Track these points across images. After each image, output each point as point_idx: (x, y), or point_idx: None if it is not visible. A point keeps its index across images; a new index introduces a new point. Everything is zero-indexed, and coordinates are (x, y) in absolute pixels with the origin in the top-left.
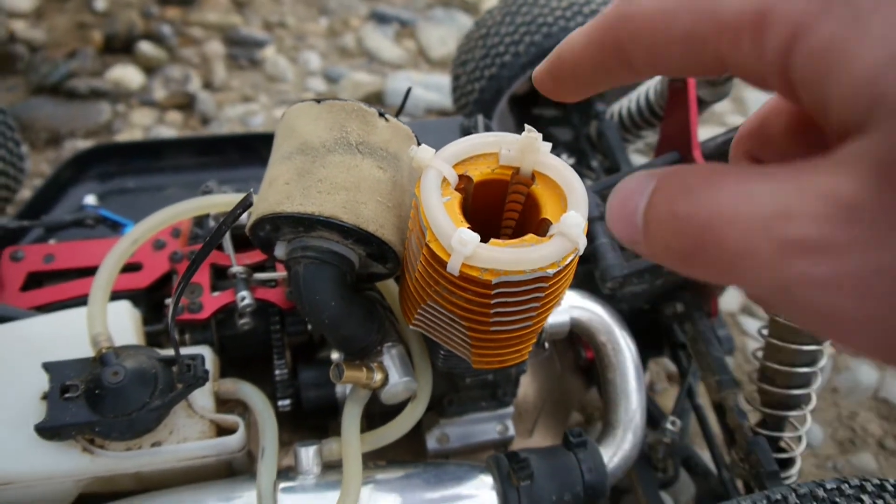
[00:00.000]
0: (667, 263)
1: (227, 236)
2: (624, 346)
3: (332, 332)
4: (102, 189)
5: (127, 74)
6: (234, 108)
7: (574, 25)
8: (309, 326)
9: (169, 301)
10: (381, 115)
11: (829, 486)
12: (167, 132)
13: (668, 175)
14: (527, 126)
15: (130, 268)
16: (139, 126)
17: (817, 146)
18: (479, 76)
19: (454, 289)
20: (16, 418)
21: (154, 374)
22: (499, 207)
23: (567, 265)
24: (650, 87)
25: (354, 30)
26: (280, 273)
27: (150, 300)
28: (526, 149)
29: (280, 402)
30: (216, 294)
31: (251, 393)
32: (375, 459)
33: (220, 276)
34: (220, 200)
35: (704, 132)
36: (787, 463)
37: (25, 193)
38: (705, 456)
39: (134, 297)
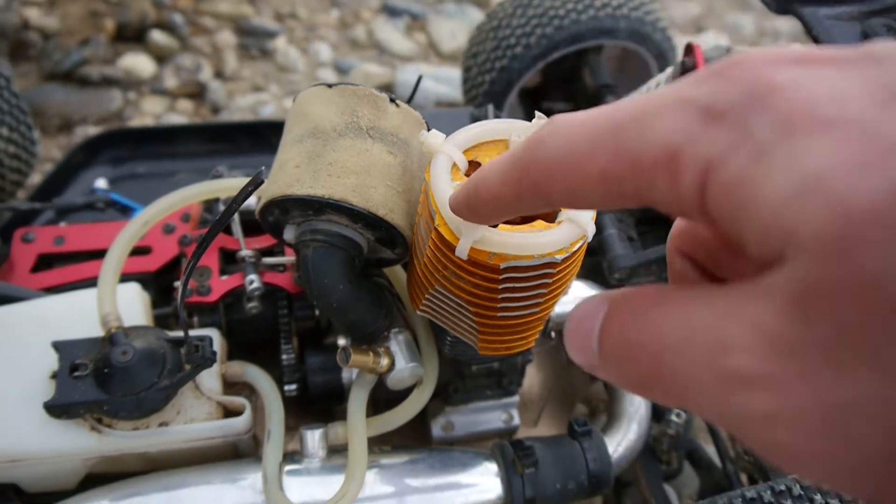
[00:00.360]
0: (627, 389)
1: (237, 220)
2: None
3: (339, 316)
4: (113, 174)
5: (139, 63)
6: (244, 98)
7: (585, 18)
8: (316, 311)
9: (178, 284)
10: (392, 100)
11: None
12: (178, 120)
13: (618, 300)
14: (537, 113)
15: (140, 251)
16: (150, 114)
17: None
18: (490, 68)
19: (462, 273)
20: (25, 397)
21: (163, 354)
22: None
23: (575, 251)
24: (660, 80)
25: (365, 22)
26: (289, 258)
27: (158, 284)
28: None
29: (286, 387)
30: (225, 277)
31: (258, 376)
32: (380, 445)
33: (229, 261)
34: (231, 184)
35: None
36: None
37: (36, 178)
38: (709, 450)
39: (143, 280)
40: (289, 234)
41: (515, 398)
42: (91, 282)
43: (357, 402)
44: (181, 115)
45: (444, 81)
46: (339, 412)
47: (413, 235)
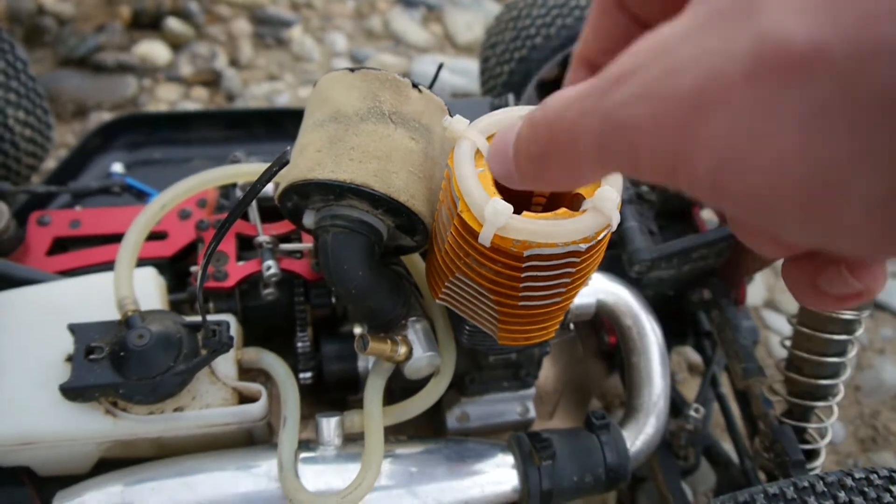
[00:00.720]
0: (528, 174)
1: (254, 206)
2: (649, 331)
3: (358, 302)
4: (129, 159)
5: (154, 50)
6: (259, 87)
7: None
8: (333, 299)
9: (194, 269)
10: (415, 85)
11: (857, 476)
12: (192, 108)
13: (530, 113)
14: None
15: (156, 236)
16: (165, 101)
17: None
18: (509, 58)
19: (484, 260)
20: (40, 379)
21: (179, 338)
22: None
23: (599, 240)
24: None
25: (381, 13)
26: (306, 244)
27: (174, 269)
28: None
29: (301, 375)
30: (241, 263)
31: (274, 362)
32: (395, 435)
33: (245, 247)
34: (249, 169)
35: None
36: (812, 454)
37: (50, 164)
38: (727, 447)
39: (158, 265)
40: (308, 219)
41: (531, 390)
42: (106, 266)
43: (374, 391)
44: (196, 102)
45: (461, 73)
46: (353, 402)
47: (434, 223)
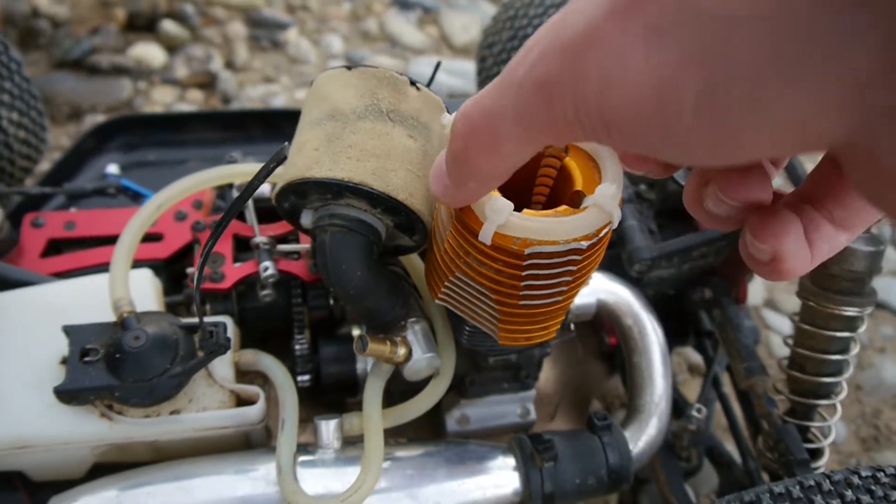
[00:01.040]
0: (455, 173)
1: (250, 207)
2: (651, 330)
3: (357, 303)
4: (124, 160)
5: (149, 52)
6: (255, 89)
7: None
8: (331, 301)
9: (190, 270)
10: (413, 83)
11: (864, 474)
12: (188, 110)
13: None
14: None
15: (151, 237)
16: (160, 103)
17: None
18: (506, 58)
19: (485, 259)
20: (34, 382)
21: (175, 340)
22: (530, 179)
23: (601, 238)
24: None
25: (377, 15)
26: (303, 245)
27: (170, 271)
28: None
29: (299, 378)
30: (238, 265)
31: (271, 364)
32: (395, 437)
33: (242, 249)
34: (246, 169)
35: None
36: (815, 454)
37: (45, 166)
38: (729, 447)
39: (154, 267)
40: (306, 218)
41: (532, 392)
42: (101, 267)
43: (373, 393)
44: (191, 104)
45: (457, 74)
46: (352, 405)
47: (433, 222)
